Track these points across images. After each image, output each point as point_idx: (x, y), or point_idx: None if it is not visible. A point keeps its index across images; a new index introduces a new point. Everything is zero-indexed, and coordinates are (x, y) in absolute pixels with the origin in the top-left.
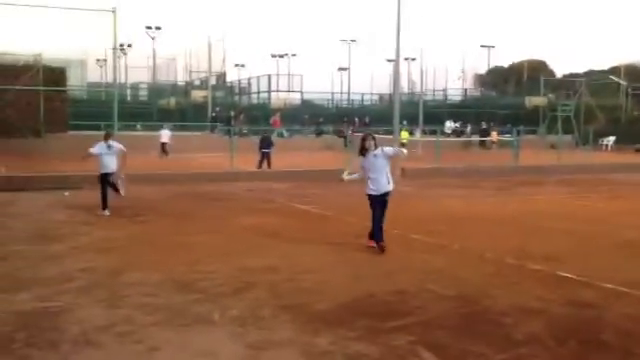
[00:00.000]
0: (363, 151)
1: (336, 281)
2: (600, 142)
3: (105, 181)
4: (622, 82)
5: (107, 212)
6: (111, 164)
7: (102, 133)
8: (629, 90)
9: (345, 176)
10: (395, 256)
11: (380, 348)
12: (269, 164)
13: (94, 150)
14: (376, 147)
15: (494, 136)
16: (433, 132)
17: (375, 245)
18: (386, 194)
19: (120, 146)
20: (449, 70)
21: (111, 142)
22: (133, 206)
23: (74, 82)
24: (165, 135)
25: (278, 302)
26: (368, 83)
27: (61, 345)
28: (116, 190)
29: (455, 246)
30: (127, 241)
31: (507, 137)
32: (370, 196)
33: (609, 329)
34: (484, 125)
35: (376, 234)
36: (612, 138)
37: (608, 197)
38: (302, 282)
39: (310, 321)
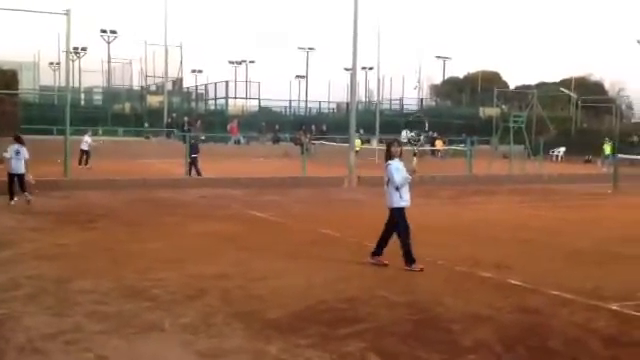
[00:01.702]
0: (390, 156)
1: (289, 288)
2: (551, 153)
3: (12, 180)
4: (572, 94)
5: (13, 202)
6: (17, 167)
7: (54, 138)
8: (579, 102)
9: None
10: (348, 263)
11: (331, 355)
12: (191, 170)
13: (6, 154)
14: (401, 155)
15: (439, 144)
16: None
17: (412, 266)
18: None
19: (26, 155)
20: (406, 80)
21: (19, 147)
22: (84, 212)
23: (26, 85)
24: (86, 143)
25: (230, 309)
26: (326, 91)
27: (7, 353)
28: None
29: None
30: (77, 248)
31: (461, 147)
32: (402, 209)
33: (556, 336)
34: (434, 134)
35: (410, 253)
36: (562, 149)
37: (558, 207)
38: (255, 289)
39: (262, 328)
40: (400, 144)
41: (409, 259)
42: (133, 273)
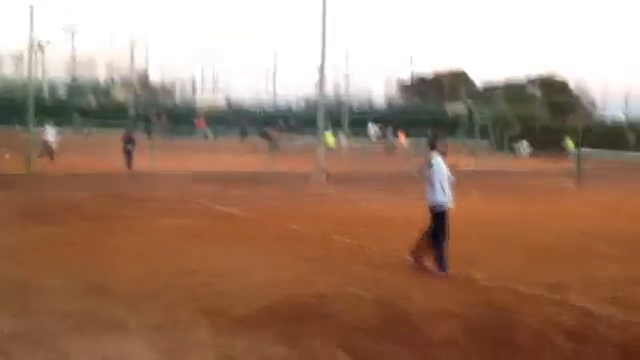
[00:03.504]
0: (438, 151)
1: (256, 284)
2: (515, 149)
3: None
4: (537, 92)
5: None
6: None
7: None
8: (543, 100)
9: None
10: (315, 259)
11: (298, 351)
12: (130, 163)
13: None
14: (445, 153)
15: (402, 138)
16: (357, 136)
17: (441, 272)
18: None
19: None
20: (374, 77)
21: None
22: (47, 207)
23: None
24: (50, 133)
25: (195, 305)
26: (294, 87)
27: None
28: None
29: (374, 248)
30: (39, 244)
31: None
32: (443, 209)
33: (521, 331)
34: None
35: (445, 257)
36: (527, 145)
37: (522, 201)
38: (221, 285)
39: (228, 325)
40: (446, 141)
41: (442, 264)
42: (97, 269)
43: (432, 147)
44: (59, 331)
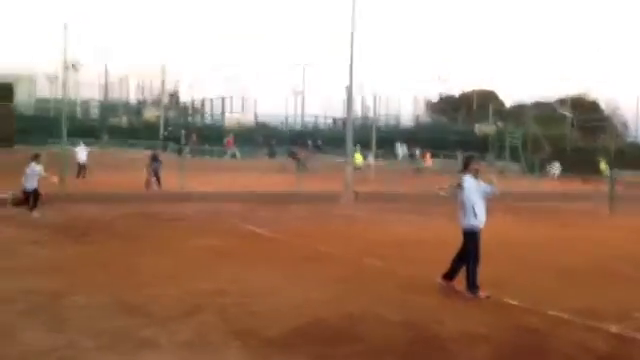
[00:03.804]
0: (470, 172)
1: (286, 305)
2: (547, 171)
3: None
4: (568, 113)
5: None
6: (29, 183)
7: (50, 150)
8: (574, 121)
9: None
10: (345, 280)
11: None
12: (159, 182)
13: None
14: (477, 173)
15: (428, 159)
16: (385, 157)
17: (471, 294)
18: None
19: (39, 171)
20: (402, 97)
21: (34, 165)
22: (80, 226)
23: (22, 98)
24: (82, 153)
25: (227, 326)
26: (322, 106)
27: None
28: (32, 208)
29: (404, 271)
30: (73, 262)
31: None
32: (475, 231)
33: (554, 355)
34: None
35: (475, 279)
36: (558, 167)
37: (552, 225)
38: (252, 306)
39: (260, 346)
40: (479, 162)
41: (473, 286)
42: (128, 288)
43: (465, 168)
44: (90, 348)
